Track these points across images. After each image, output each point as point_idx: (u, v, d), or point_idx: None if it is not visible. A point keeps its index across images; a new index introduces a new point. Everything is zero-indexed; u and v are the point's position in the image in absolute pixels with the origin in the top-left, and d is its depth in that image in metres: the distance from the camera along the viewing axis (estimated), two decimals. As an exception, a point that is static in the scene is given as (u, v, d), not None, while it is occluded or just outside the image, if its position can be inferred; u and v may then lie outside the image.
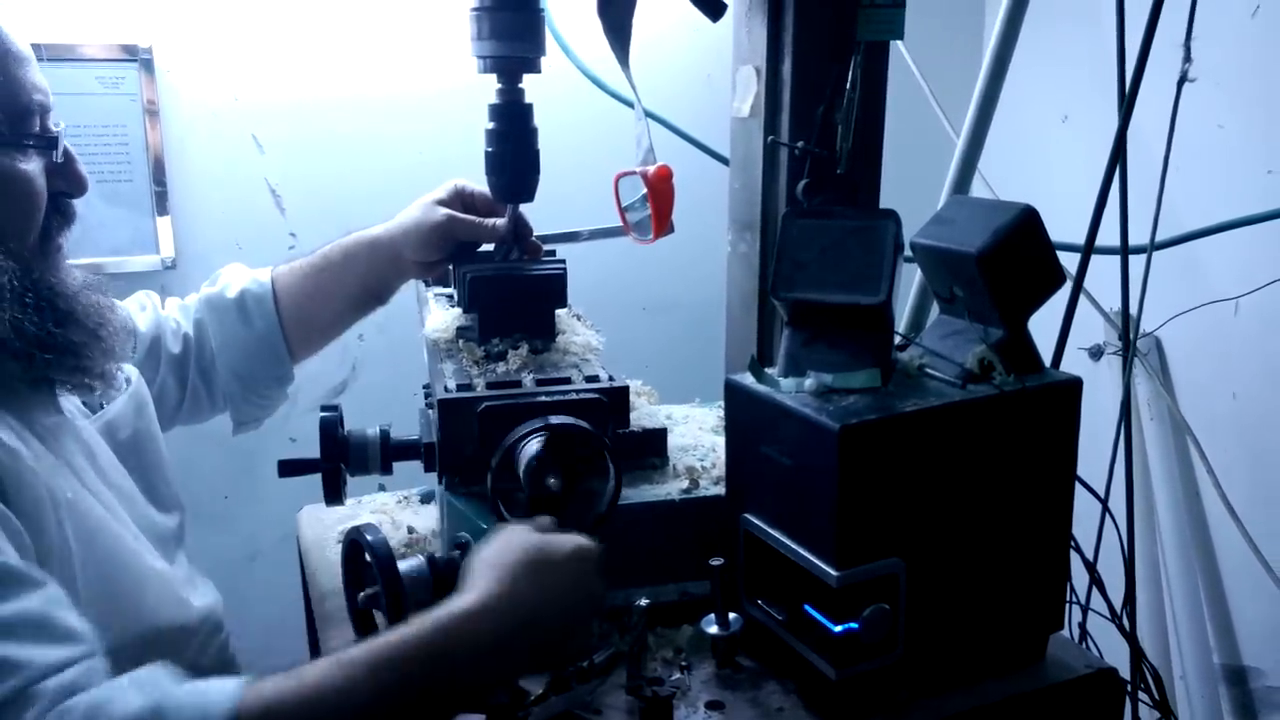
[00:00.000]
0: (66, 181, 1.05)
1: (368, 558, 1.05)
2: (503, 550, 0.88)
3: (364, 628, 1.12)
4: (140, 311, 1.33)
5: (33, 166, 1.00)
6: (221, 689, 0.76)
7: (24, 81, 0.99)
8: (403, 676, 0.77)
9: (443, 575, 1.09)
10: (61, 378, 1.02)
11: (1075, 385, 1.03)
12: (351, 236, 1.35)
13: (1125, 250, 1.55)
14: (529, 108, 1.27)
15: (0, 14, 0.99)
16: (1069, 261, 1.35)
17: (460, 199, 1.34)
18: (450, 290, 1.43)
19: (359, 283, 1.35)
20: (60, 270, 1.05)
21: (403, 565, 1.06)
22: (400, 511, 1.43)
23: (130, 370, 1.21)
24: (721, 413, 1.29)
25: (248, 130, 1.98)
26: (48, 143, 1.01)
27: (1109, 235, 1.53)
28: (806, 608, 0.96)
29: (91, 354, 1.03)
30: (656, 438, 1.23)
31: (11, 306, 0.96)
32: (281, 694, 0.75)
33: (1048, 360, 1.08)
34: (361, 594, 1.08)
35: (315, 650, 1.36)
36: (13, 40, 0.99)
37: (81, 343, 1.02)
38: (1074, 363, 2.01)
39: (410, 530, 1.34)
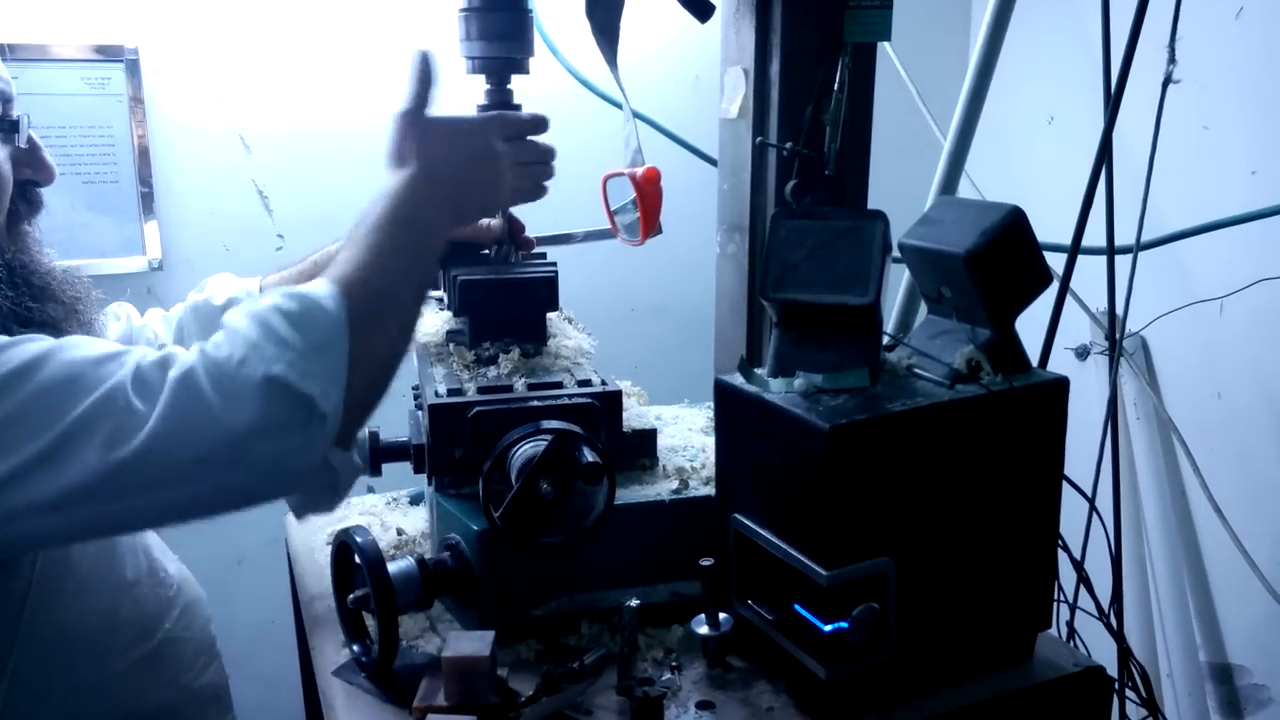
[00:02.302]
0: (33, 169, 1.06)
1: (357, 559, 1.04)
2: (413, 130, 1.05)
3: (354, 630, 1.12)
4: (114, 322, 1.33)
5: None
6: (317, 287, 0.92)
7: None
8: (392, 233, 0.98)
9: (433, 576, 1.09)
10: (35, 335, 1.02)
11: (1062, 385, 1.03)
12: (338, 242, 1.34)
13: (1111, 250, 1.56)
14: (517, 109, 1.27)
15: None
16: (1055, 262, 1.36)
17: None
18: (439, 293, 1.42)
19: None
20: (32, 251, 1.06)
21: (392, 567, 1.06)
22: (389, 513, 1.42)
23: None
24: (711, 413, 1.29)
25: (235, 131, 1.97)
26: (10, 125, 1.02)
27: (1095, 236, 1.54)
28: (796, 607, 0.96)
29: (70, 328, 1.04)
30: (646, 438, 1.23)
31: None
32: (347, 275, 0.94)
33: (1035, 360, 1.08)
34: (351, 596, 1.07)
35: (305, 654, 1.36)
36: None
37: (59, 318, 1.03)
38: (1061, 363, 2.02)
39: (399, 532, 1.33)
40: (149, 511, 0.88)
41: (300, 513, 0.98)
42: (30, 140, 1.04)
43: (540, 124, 1.16)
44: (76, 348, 0.87)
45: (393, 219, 0.99)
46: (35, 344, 0.87)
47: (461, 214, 1.06)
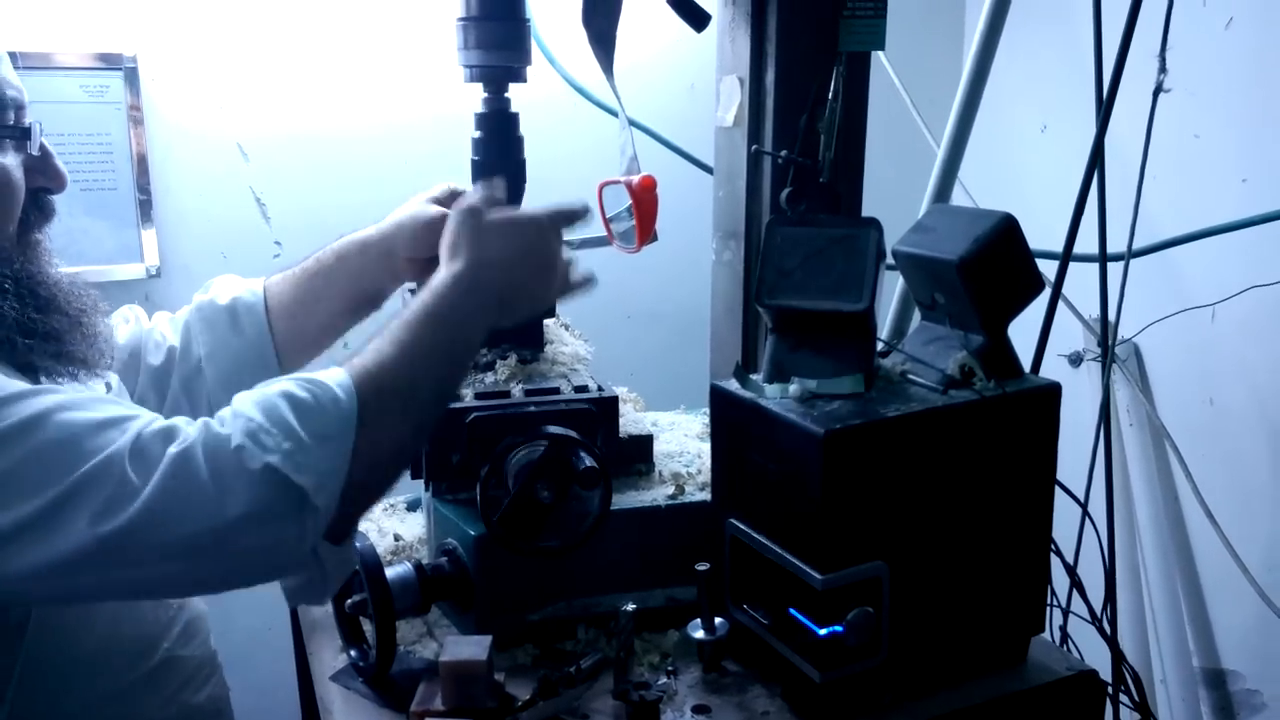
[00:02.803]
0: (45, 176, 1.06)
1: (355, 565, 1.05)
2: (470, 226, 1.05)
3: (351, 635, 1.12)
4: (123, 324, 1.33)
5: (9, 160, 1.01)
6: (333, 376, 0.92)
7: None
8: (425, 330, 0.98)
9: (430, 581, 1.10)
10: (44, 364, 1.02)
11: (1054, 390, 1.04)
12: (343, 239, 1.35)
13: (1104, 257, 1.57)
14: (515, 117, 1.28)
15: None
16: (1048, 269, 1.37)
17: (453, 199, 1.35)
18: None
19: (351, 284, 1.34)
20: (40, 261, 1.05)
21: (389, 572, 1.07)
22: (386, 519, 1.43)
23: (110, 377, 1.21)
24: (707, 419, 1.30)
25: (232, 139, 1.98)
26: (22, 133, 1.02)
27: (1089, 243, 1.55)
28: (791, 611, 0.97)
29: (73, 340, 1.04)
30: (643, 444, 1.24)
31: None
32: (366, 367, 0.93)
33: (1028, 366, 1.09)
34: (349, 601, 1.08)
35: (302, 660, 1.36)
36: None
37: (63, 329, 1.03)
38: (1055, 369, 2.03)
39: (397, 538, 1.34)
40: (134, 585, 0.89)
41: (292, 600, 0.97)
42: (42, 147, 1.04)
43: (585, 213, 1.15)
44: (80, 408, 0.87)
45: (427, 316, 0.98)
46: (40, 399, 0.86)
47: (508, 313, 1.05)
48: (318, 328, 1.36)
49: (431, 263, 1.33)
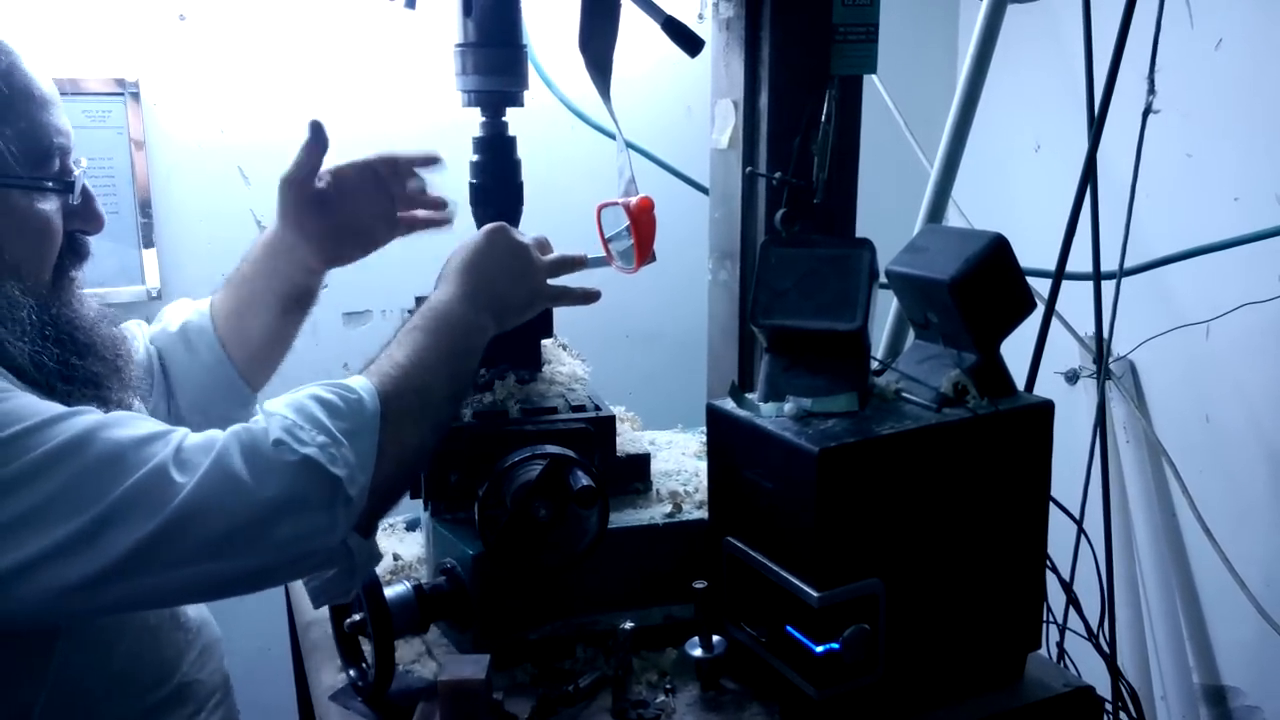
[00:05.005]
0: (83, 220, 1.07)
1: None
2: (460, 252, 1.14)
3: (350, 655, 1.13)
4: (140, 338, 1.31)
5: (50, 206, 1.01)
6: (355, 380, 0.97)
7: (46, 125, 1.01)
8: (432, 335, 1.04)
9: (428, 600, 1.10)
10: (81, 405, 1.03)
11: (1047, 408, 1.05)
12: (261, 238, 1.33)
13: (1098, 275, 1.58)
14: (513, 140, 1.29)
15: (28, 58, 1.01)
16: (1042, 287, 1.38)
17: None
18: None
19: (273, 284, 1.30)
20: (75, 303, 1.06)
21: (388, 592, 1.07)
22: (385, 539, 1.43)
23: (139, 405, 1.21)
24: (704, 438, 1.31)
25: (234, 163, 2.00)
26: (65, 185, 1.03)
27: (1083, 262, 1.57)
28: (788, 629, 0.97)
29: (111, 385, 1.04)
30: (640, 463, 1.24)
31: (31, 340, 0.97)
32: (384, 371, 0.99)
33: (1022, 384, 1.10)
34: (348, 620, 1.09)
35: (301, 680, 1.36)
36: (39, 84, 1.01)
37: (102, 374, 1.03)
38: (1052, 387, 2.04)
39: (396, 557, 1.34)
40: (171, 590, 0.90)
41: (317, 599, 0.99)
42: (84, 191, 1.05)
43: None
44: (121, 425, 0.89)
45: (433, 320, 1.05)
46: (81, 419, 0.88)
47: (502, 317, 1.12)
48: (257, 333, 1.32)
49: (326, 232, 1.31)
